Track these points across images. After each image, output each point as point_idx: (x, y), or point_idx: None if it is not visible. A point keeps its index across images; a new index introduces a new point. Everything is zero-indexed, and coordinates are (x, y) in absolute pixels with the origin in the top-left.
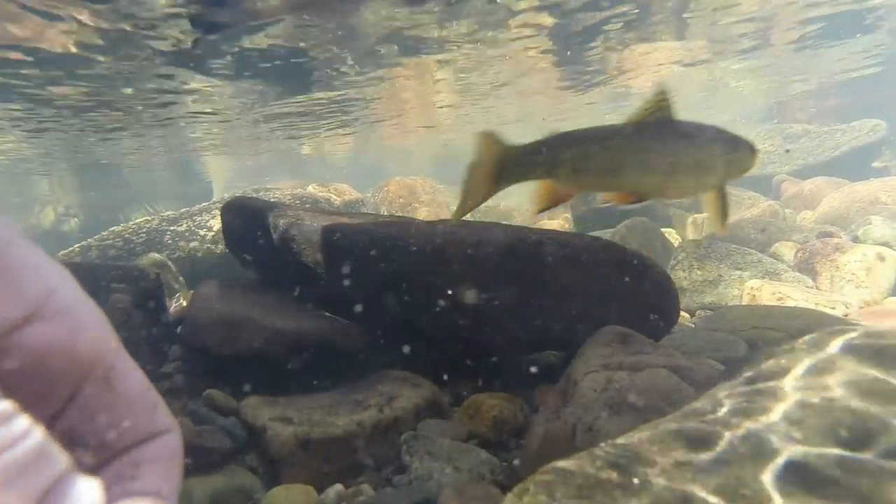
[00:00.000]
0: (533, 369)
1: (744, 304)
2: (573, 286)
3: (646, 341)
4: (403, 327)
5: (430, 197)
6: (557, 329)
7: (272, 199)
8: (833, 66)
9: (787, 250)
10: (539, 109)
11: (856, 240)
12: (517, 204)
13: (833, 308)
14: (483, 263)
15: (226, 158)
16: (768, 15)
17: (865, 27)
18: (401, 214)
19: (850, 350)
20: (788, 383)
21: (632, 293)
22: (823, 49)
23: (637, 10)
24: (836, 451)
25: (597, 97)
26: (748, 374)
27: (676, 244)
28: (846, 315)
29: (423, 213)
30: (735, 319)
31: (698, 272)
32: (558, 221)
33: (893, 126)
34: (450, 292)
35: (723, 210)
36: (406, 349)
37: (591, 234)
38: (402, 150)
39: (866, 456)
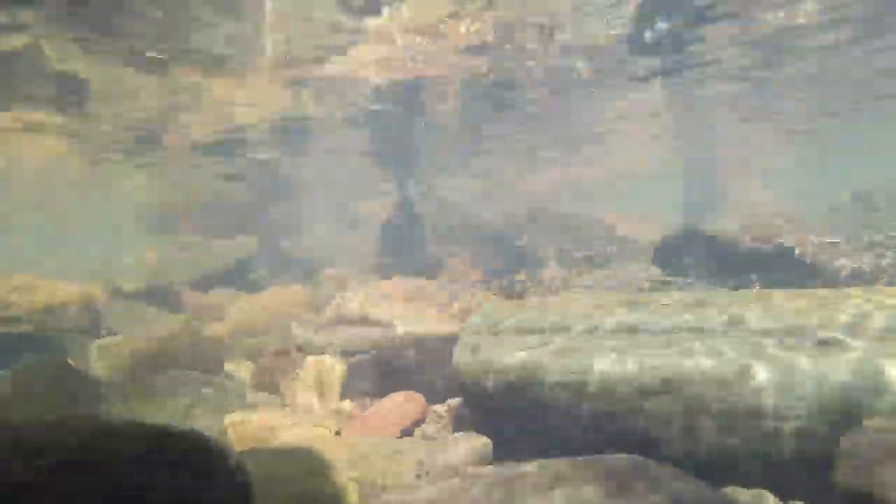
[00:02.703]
0: None
1: (243, 447)
2: None
3: None
4: None
5: None
6: None
7: None
8: (212, 182)
9: (240, 369)
10: None
11: (300, 349)
12: None
13: (324, 427)
14: None
15: None
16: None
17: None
18: None
19: None
20: None
21: None
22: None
23: None
24: None
25: None
26: None
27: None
28: (339, 427)
29: None
30: (266, 481)
31: (146, 410)
32: None
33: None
34: None
35: None
36: None
37: None
38: None
39: None
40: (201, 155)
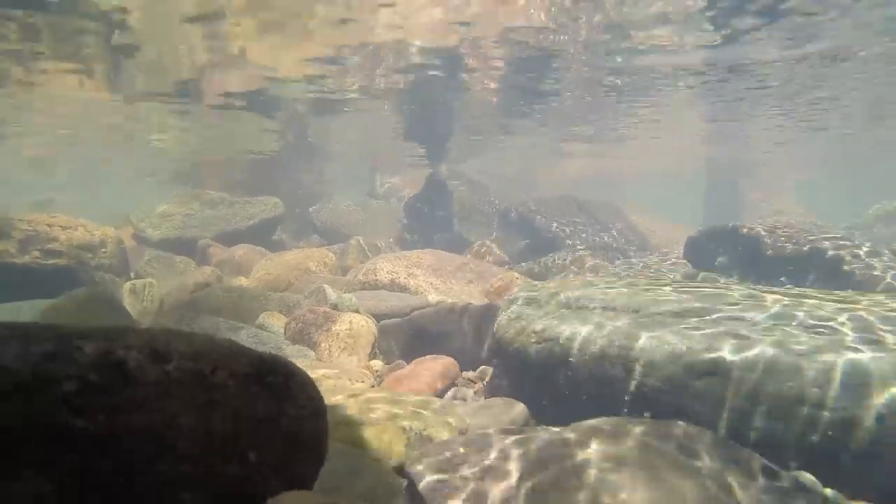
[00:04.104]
0: None
1: None
2: (178, 433)
3: None
4: None
5: None
6: None
7: None
8: (241, 143)
9: (275, 321)
10: None
11: (334, 308)
12: None
13: (363, 381)
14: None
15: None
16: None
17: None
18: None
19: None
20: None
21: (274, 428)
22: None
23: None
24: None
25: None
26: None
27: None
28: (375, 385)
29: None
30: None
31: None
32: None
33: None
34: None
35: None
36: None
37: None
38: None
39: None
40: (236, 107)
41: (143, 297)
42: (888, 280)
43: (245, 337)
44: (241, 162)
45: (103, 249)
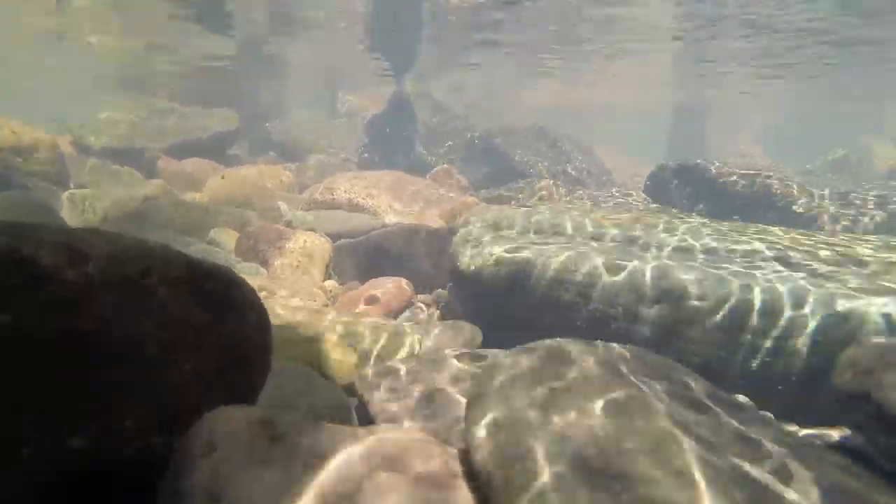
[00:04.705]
0: None
1: None
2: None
3: (324, 428)
4: None
5: None
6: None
7: None
8: (195, 53)
9: (226, 237)
10: None
11: (289, 225)
12: None
13: (315, 301)
14: None
15: None
16: None
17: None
18: None
19: None
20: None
21: (212, 337)
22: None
23: None
24: None
25: None
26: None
27: None
28: (327, 305)
29: None
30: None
31: None
32: None
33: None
34: None
35: None
36: None
37: None
38: None
39: None
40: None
41: (84, 208)
42: (826, 218)
43: (194, 252)
44: (196, 76)
45: (35, 154)
